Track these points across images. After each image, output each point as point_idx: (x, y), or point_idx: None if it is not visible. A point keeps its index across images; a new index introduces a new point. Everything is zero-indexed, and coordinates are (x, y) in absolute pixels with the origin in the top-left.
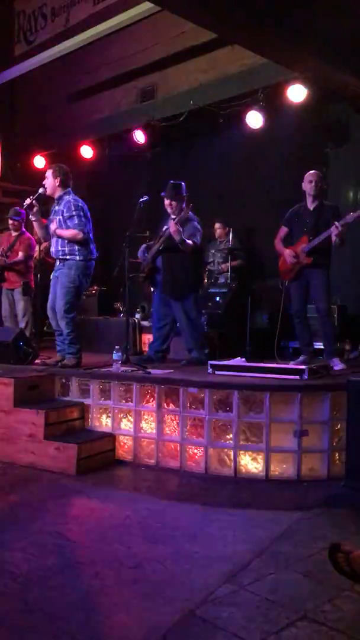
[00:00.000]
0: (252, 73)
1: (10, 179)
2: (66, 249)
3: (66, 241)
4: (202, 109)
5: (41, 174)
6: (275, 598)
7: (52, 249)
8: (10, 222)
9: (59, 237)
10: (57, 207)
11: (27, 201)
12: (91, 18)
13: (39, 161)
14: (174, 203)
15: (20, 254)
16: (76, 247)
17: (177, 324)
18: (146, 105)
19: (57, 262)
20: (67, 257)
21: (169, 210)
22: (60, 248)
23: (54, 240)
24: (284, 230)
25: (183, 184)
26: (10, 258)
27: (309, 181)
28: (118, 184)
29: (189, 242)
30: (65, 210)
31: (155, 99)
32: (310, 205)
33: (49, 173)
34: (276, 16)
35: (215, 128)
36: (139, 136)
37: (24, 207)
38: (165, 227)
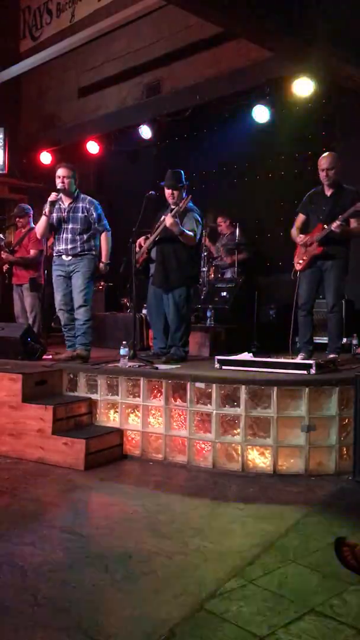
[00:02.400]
0: (258, 67)
1: (17, 175)
2: (85, 245)
3: (85, 238)
4: (208, 103)
5: (48, 170)
6: (284, 592)
7: (68, 246)
8: (17, 220)
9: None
10: (74, 205)
11: (53, 197)
12: (96, 13)
13: (45, 157)
14: (175, 192)
15: (32, 251)
16: (92, 243)
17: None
18: (152, 100)
19: (69, 258)
20: (86, 252)
21: (170, 200)
22: (79, 244)
23: (68, 236)
24: (300, 218)
25: (182, 172)
26: (18, 253)
27: (320, 170)
28: (124, 179)
29: (189, 232)
30: (92, 210)
31: (161, 94)
32: (328, 191)
33: (68, 172)
34: (282, 10)
35: (221, 123)
36: (145, 131)
37: (49, 201)
38: (163, 217)
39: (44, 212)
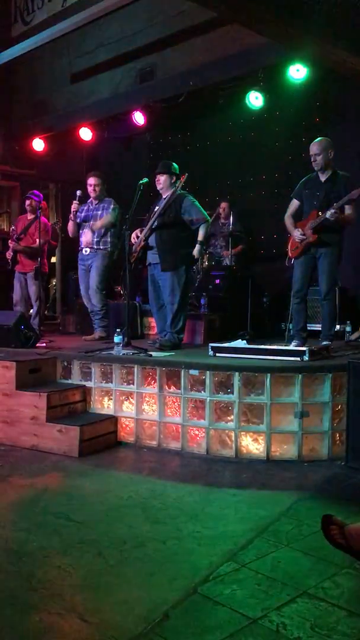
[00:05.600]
0: (251, 53)
1: (9, 162)
2: (101, 240)
3: (102, 233)
4: (202, 89)
5: (40, 157)
6: (276, 576)
7: (88, 239)
8: (27, 202)
9: (94, 229)
10: (99, 204)
11: (75, 207)
12: None
13: (38, 144)
14: (160, 178)
15: (38, 241)
16: (109, 240)
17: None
18: (145, 86)
19: (88, 252)
20: (100, 246)
21: (158, 186)
22: (94, 238)
23: (88, 231)
24: (294, 204)
25: (174, 164)
26: (24, 241)
27: (310, 155)
28: (117, 166)
29: (203, 230)
30: (110, 209)
31: (154, 79)
32: (322, 177)
33: (98, 180)
34: None
35: (215, 109)
36: (139, 118)
37: (72, 211)
38: (157, 207)
39: (70, 217)
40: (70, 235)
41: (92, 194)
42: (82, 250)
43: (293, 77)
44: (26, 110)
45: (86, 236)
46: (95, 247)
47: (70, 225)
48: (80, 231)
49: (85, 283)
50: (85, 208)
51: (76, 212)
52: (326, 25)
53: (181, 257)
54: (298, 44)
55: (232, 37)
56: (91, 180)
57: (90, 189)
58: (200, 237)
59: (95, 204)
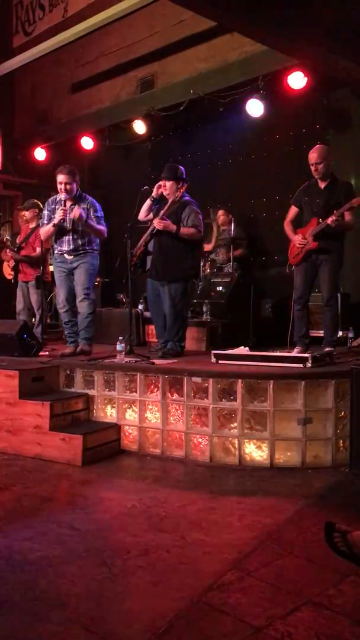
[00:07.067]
0: (252, 61)
1: (11, 172)
2: (87, 245)
3: (85, 237)
4: (202, 98)
5: (42, 166)
6: (281, 584)
7: (71, 246)
8: (27, 214)
9: (93, 230)
10: (76, 205)
11: (62, 214)
12: (89, 8)
13: (40, 153)
14: (167, 184)
15: (38, 249)
16: (94, 242)
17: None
18: (146, 95)
19: (71, 256)
20: (87, 249)
21: (164, 192)
22: (81, 242)
23: (70, 237)
24: (293, 210)
25: (181, 167)
26: (25, 250)
27: (310, 164)
28: (119, 174)
29: (191, 228)
30: (92, 211)
31: (154, 88)
32: (321, 184)
33: (68, 178)
34: (275, 3)
35: (215, 117)
36: (139, 126)
37: (58, 217)
38: (160, 211)
39: (52, 223)
40: (44, 238)
41: (63, 194)
42: (62, 254)
43: (293, 84)
44: (28, 119)
45: (69, 244)
46: (81, 249)
47: (50, 231)
48: (60, 236)
49: (67, 287)
50: (59, 208)
51: (64, 219)
52: (326, 32)
53: (180, 266)
54: (299, 52)
55: (232, 46)
56: (62, 178)
57: (60, 187)
58: (184, 229)
59: (71, 204)
